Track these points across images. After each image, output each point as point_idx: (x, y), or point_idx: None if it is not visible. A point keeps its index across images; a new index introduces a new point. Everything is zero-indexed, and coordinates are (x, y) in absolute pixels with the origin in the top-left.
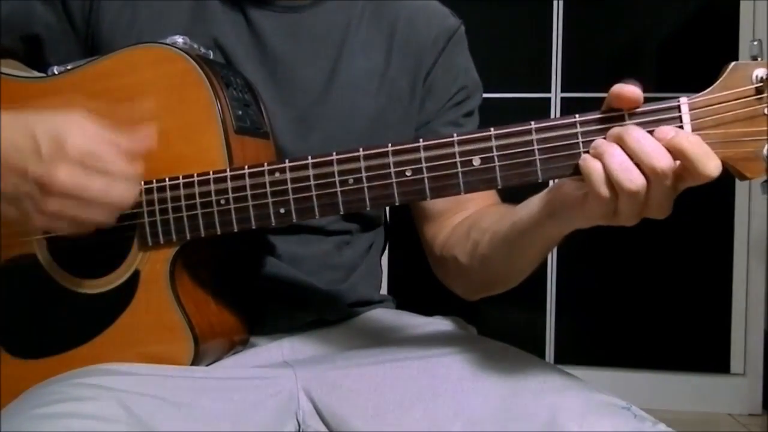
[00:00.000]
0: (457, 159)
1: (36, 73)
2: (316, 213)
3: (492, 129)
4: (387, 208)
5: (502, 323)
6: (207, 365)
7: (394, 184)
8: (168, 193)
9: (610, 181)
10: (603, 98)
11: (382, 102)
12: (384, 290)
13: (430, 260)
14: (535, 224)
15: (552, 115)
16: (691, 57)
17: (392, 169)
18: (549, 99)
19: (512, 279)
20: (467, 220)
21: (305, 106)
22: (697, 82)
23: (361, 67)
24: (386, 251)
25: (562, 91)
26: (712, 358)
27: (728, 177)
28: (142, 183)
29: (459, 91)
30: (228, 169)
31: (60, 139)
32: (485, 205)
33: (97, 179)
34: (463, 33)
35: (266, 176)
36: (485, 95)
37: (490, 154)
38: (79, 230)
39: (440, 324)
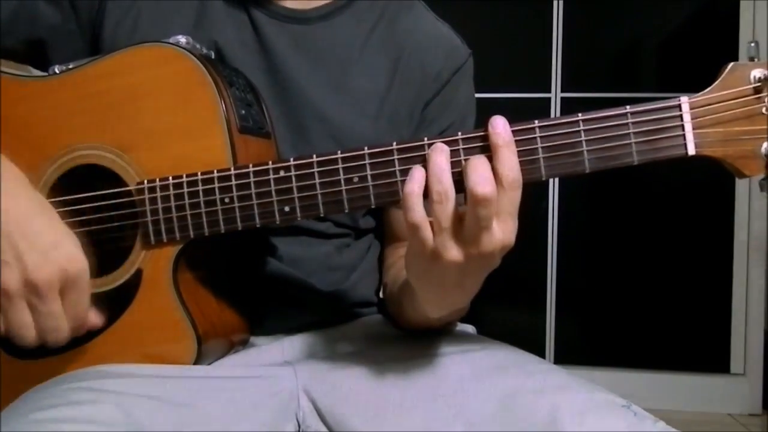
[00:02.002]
0: (462, 157)
1: (37, 72)
2: (321, 211)
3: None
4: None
5: (502, 323)
6: (207, 365)
7: (399, 183)
8: (171, 192)
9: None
10: (603, 98)
11: (382, 125)
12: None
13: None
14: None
15: (552, 115)
16: (691, 57)
17: (397, 168)
18: (549, 99)
19: (429, 324)
20: (392, 257)
21: (305, 118)
22: (696, 82)
23: (364, 88)
24: None
25: (562, 91)
26: (712, 358)
27: (728, 177)
28: (146, 182)
29: (453, 123)
30: (233, 168)
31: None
32: None
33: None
34: (470, 65)
35: (271, 174)
36: (485, 95)
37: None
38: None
39: None
